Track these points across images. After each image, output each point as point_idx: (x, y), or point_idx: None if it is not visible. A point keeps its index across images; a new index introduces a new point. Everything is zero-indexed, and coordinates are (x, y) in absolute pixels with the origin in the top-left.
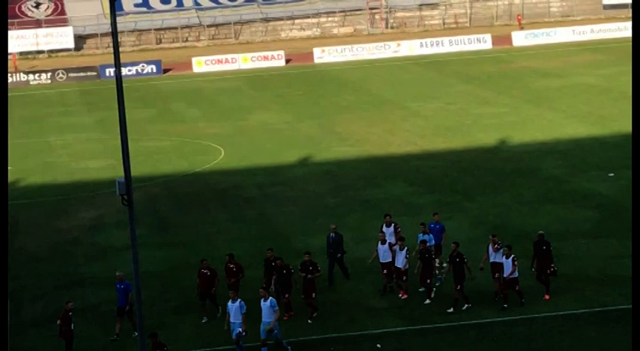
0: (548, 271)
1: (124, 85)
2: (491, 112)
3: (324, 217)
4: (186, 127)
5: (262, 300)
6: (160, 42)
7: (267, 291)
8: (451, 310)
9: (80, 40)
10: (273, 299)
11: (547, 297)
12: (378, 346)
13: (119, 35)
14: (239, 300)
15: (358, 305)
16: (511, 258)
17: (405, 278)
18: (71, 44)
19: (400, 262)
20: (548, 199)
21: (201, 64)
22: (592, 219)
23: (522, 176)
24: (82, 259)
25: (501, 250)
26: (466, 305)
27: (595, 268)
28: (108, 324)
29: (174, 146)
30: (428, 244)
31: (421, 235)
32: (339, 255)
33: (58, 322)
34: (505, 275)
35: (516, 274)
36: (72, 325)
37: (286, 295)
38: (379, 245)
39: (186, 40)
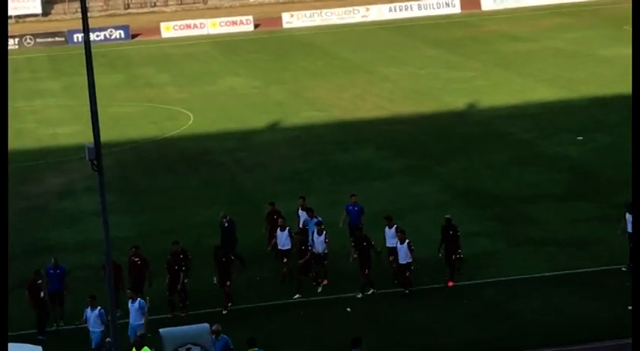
0: (454, 257)
1: (92, 50)
2: (461, 76)
3: (293, 182)
4: (155, 92)
5: (130, 301)
6: (128, 7)
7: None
8: (360, 295)
9: (48, 5)
10: (143, 301)
11: (450, 284)
12: (348, 309)
13: (87, 0)
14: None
15: (328, 269)
16: (406, 243)
17: (326, 262)
18: (39, 9)
19: (319, 246)
20: (518, 163)
21: (169, 29)
22: (561, 182)
23: (492, 140)
24: (51, 225)
25: (392, 231)
26: (372, 290)
27: (564, 231)
28: (77, 290)
29: (144, 112)
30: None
31: (308, 218)
32: (234, 244)
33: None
34: (400, 261)
35: (410, 260)
36: (41, 294)
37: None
38: (279, 231)
39: (155, 5)
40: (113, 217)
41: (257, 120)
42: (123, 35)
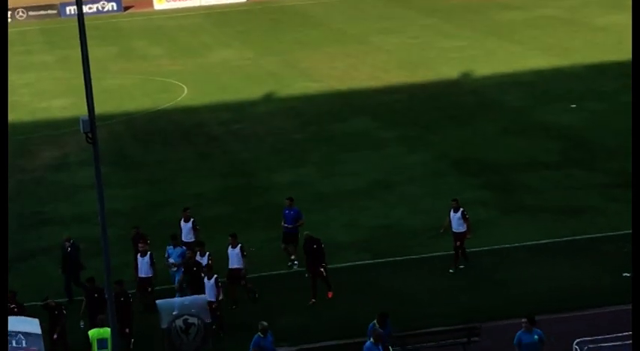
0: (322, 271)
1: (85, 22)
2: (454, 45)
3: (289, 153)
4: (148, 64)
5: None
6: None
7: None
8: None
9: None
10: None
11: (330, 294)
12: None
13: None
14: None
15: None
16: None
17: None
18: None
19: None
20: (512, 132)
21: (162, 1)
22: (555, 150)
23: (485, 109)
24: (46, 198)
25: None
26: (222, 333)
27: (559, 199)
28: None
29: (137, 84)
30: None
31: (171, 248)
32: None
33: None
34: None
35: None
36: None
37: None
38: (139, 257)
39: None
40: (108, 190)
41: (251, 91)
42: (115, 7)
